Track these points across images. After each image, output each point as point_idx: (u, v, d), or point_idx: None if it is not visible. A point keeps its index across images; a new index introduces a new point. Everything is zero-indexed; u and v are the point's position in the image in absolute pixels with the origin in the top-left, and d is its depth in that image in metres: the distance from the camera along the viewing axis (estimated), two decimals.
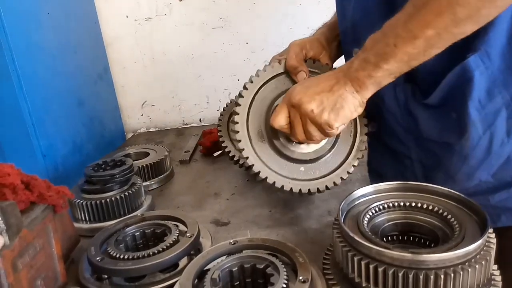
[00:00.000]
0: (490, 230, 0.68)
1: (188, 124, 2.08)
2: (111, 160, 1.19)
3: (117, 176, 1.11)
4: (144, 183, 1.25)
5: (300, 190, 1.00)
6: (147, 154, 1.42)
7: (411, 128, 0.95)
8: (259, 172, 0.99)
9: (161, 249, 0.83)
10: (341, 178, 1.02)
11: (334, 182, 1.02)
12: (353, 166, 1.04)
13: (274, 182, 0.99)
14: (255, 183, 1.32)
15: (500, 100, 0.84)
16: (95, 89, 1.83)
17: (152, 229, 0.95)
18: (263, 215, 1.11)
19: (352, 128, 1.04)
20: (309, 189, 1.01)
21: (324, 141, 1.02)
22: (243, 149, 1.00)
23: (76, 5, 1.74)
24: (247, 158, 1.00)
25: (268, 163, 1.01)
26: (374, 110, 0.99)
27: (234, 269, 0.76)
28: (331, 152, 1.04)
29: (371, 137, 1.06)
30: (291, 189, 1.00)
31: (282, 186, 0.99)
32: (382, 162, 1.09)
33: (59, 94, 1.53)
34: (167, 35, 1.98)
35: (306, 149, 1.02)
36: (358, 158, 1.04)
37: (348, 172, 1.03)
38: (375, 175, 1.14)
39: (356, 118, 0.98)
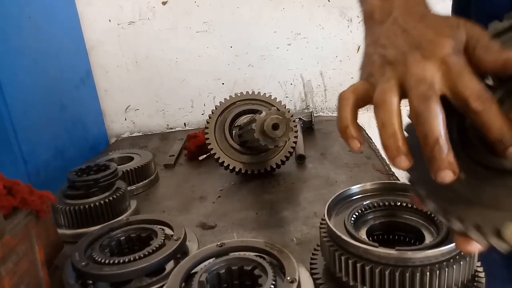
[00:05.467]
0: None
1: (172, 129, 2.07)
2: (94, 165, 1.17)
3: (101, 180, 1.09)
4: (129, 188, 1.23)
5: None
6: (131, 159, 1.41)
7: None
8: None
9: (147, 253, 0.82)
10: None
11: None
12: None
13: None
14: (240, 185, 1.32)
15: None
16: (77, 94, 1.80)
17: (137, 233, 0.93)
18: (249, 218, 1.11)
19: None
20: None
21: None
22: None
23: (57, 9, 1.72)
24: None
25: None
26: None
27: (221, 272, 0.75)
28: None
29: None
30: None
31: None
32: None
33: (41, 98, 1.50)
34: (150, 39, 1.96)
35: None
36: None
37: None
38: None
39: None
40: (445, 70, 0.46)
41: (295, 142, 1.38)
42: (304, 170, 1.41)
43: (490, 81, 0.49)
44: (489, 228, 0.41)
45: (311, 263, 0.79)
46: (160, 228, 0.93)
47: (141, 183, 1.34)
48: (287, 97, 2.06)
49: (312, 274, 0.77)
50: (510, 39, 0.48)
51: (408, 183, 0.51)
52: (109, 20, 1.94)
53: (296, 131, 1.38)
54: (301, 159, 1.45)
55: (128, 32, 1.95)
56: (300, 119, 1.78)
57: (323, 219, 0.76)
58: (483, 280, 0.71)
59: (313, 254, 0.81)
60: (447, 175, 0.44)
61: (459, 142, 0.49)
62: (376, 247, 0.66)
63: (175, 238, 0.87)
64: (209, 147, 1.33)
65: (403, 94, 0.48)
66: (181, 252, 0.87)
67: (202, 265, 0.76)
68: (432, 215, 0.75)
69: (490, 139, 0.45)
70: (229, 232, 1.03)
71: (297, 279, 0.70)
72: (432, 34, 0.48)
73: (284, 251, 0.78)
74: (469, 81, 0.45)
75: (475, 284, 0.70)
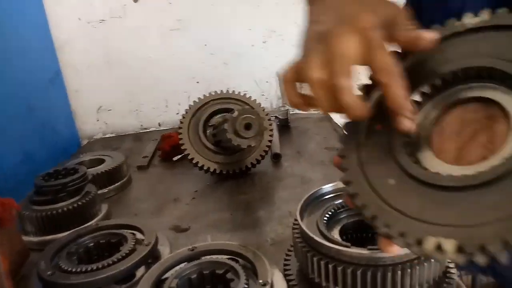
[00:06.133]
0: None
1: (146, 129, 2.02)
2: (63, 169, 1.13)
3: (69, 185, 1.05)
4: (100, 191, 1.19)
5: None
6: (102, 161, 1.37)
7: None
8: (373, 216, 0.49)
9: (116, 260, 0.80)
10: None
11: (505, 241, 0.39)
12: None
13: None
14: (215, 186, 1.30)
15: None
16: (46, 95, 1.74)
17: (107, 239, 0.90)
18: (224, 219, 1.09)
19: None
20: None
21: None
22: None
23: (23, 7, 1.65)
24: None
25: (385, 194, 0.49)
26: None
27: (193, 276, 0.74)
28: None
29: None
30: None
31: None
32: None
33: (7, 100, 1.44)
34: (122, 38, 1.92)
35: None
36: None
37: None
38: None
39: None
40: (363, 42, 0.49)
41: (270, 141, 1.37)
42: (280, 168, 1.40)
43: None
44: (412, 238, 0.44)
45: (284, 264, 0.78)
46: (131, 233, 0.90)
47: (113, 186, 1.30)
48: (263, 95, 2.04)
49: (285, 276, 0.76)
50: (488, 36, 0.51)
51: (342, 183, 0.53)
52: (79, 19, 1.89)
53: (271, 130, 1.37)
54: (276, 157, 1.44)
55: (99, 31, 1.90)
56: (276, 117, 1.77)
57: (295, 220, 0.75)
58: (455, 276, 0.71)
59: (286, 255, 0.80)
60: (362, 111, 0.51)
61: (390, 149, 0.52)
62: (348, 247, 0.65)
63: (145, 243, 0.85)
64: (182, 147, 1.30)
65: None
66: (152, 257, 0.84)
67: (173, 271, 0.75)
68: None
69: (391, 108, 0.50)
70: (203, 235, 1.01)
71: (270, 282, 0.69)
72: (357, 10, 0.52)
73: (257, 253, 0.77)
74: (382, 55, 0.49)
75: (446, 280, 0.70)
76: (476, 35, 0.51)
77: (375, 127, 0.54)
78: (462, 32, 0.52)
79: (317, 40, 0.54)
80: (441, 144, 0.52)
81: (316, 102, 0.53)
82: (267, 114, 1.38)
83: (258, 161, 1.35)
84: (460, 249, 0.41)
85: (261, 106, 1.40)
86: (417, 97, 0.54)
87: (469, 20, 0.52)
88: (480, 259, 0.40)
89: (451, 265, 0.73)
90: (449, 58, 0.52)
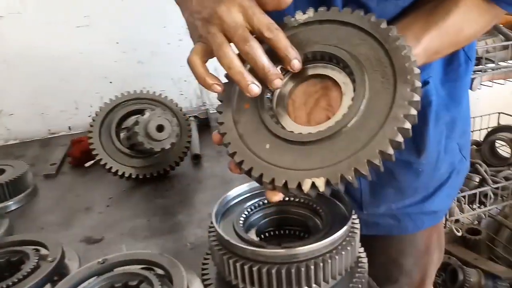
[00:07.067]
0: (354, 217, 0.72)
1: (54, 134, 1.87)
2: None
3: None
4: None
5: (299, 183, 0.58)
6: (2, 171, 1.24)
7: None
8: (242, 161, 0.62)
9: (16, 280, 0.73)
10: (370, 163, 0.54)
11: (355, 169, 0.54)
12: (399, 130, 0.54)
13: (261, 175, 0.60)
14: (132, 192, 1.24)
15: (443, 121, 0.97)
16: None
17: (6, 258, 0.82)
18: (140, 226, 1.04)
19: (389, 68, 0.58)
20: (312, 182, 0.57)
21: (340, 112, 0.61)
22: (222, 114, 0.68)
23: None
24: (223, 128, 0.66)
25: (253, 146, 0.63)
26: None
27: None
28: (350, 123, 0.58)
29: None
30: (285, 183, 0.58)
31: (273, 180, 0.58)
32: None
33: None
34: (23, 35, 1.75)
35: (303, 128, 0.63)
36: (405, 117, 0.54)
37: (383, 151, 0.53)
38: None
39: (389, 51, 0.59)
40: (243, 11, 0.60)
41: (189, 142, 1.34)
42: (200, 170, 1.37)
43: None
44: (293, 184, 0.57)
45: (202, 269, 0.76)
46: (34, 249, 0.82)
47: (15, 198, 1.18)
48: (181, 94, 2.00)
49: (203, 280, 0.74)
50: (315, 28, 0.66)
51: (229, 156, 0.64)
52: None
53: (190, 130, 1.35)
54: (196, 158, 1.41)
55: None
56: (195, 117, 1.73)
57: (211, 223, 0.73)
58: (366, 266, 0.74)
59: (204, 259, 0.79)
60: (278, 82, 0.61)
61: (261, 121, 0.64)
62: (263, 247, 0.65)
63: (50, 259, 0.78)
64: (93, 152, 1.23)
65: (228, 39, 0.62)
66: (59, 274, 0.78)
67: (81, 287, 0.69)
68: (317, 207, 0.77)
69: (280, 57, 0.62)
70: (117, 245, 0.96)
71: None
72: None
73: (173, 260, 0.74)
74: (260, 17, 0.60)
75: (358, 270, 0.73)
76: (306, 27, 0.67)
77: (244, 107, 0.67)
78: (296, 26, 0.67)
79: (207, 23, 0.62)
80: (295, 112, 0.66)
81: (231, 72, 0.61)
82: (185, 114, 1.35)
83: (177, 163, 1.31)
84: (327, 183, 0.55)
85: (179, 106, 1.36)
86: None
87: (299, 16, 0.67)
88: (341, 187, 0.57)
89: (363, 254, 0.76)
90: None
